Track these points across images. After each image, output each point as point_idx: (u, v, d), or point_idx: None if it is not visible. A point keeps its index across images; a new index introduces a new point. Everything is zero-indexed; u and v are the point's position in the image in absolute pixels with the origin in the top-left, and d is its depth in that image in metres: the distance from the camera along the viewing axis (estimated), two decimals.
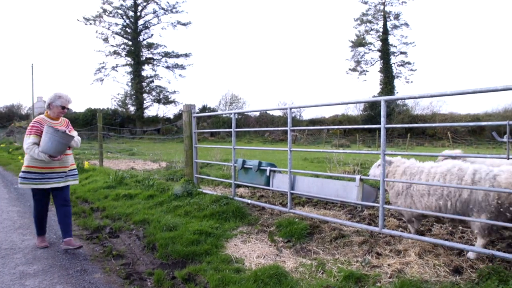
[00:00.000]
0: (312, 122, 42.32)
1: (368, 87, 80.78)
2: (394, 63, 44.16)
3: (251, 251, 3.77)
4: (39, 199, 4.06)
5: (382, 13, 43.42)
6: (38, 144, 3.81)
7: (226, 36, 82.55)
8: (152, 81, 43.10)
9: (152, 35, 43.12)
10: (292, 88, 76.27)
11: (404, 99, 4.34)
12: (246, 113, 40.32)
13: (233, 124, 5.67)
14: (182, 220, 4.68)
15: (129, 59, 41.88)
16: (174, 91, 43.76)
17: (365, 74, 46.08)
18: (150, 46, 42.62)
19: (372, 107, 39.78)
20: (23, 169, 3.92)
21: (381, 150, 3.72)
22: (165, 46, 43.24)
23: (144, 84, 42.39)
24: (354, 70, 45.98)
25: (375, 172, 4.50)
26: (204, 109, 43.03)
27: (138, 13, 41.82)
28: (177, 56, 42.79)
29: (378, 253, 3.55)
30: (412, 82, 45.30)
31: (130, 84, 41.88)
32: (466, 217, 3.37)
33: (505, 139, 3.07)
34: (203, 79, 77.56)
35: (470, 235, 4.10)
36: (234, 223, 4.69)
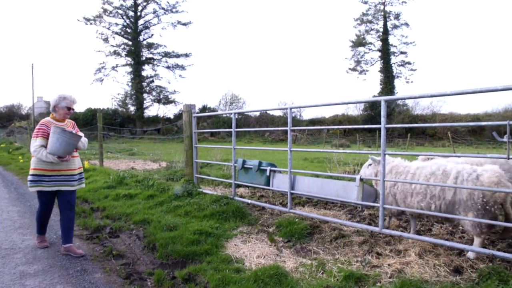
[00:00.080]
0: (312, 122, 42.32)
1: (368, 87, 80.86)
2: (394, 63, 44.19)
3: (251, 251, 3.77)
4: (44, 201, 3.99)
5: (382, 13, 43.41)
6: (45, 146, 3.75)
7: (226, 36, 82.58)
8: (152, 81, 43.13)
9: (152, 35, 43.19)
10: (292, 88, 76.31)
11: (404, 99, 4.36)
12: (246, 113, 40.31)
13: (233, 124, 5.67)
14: (182, 220, 4.68)
15: (129, 59, 41.90)
16: (174, 91, 43.82)
17: (365, 74, 46.09)
18: (150, 46, 42.63)
19: (372, 107, 39.77)
20: (30, 172, 3.86)
21: (381, 150, 3.72)
22: (165, 46, 43.31)
23: (144, 84, 42.40)
24: (354, 70, 46.00)
25: (365, 172, 4.60)
26: (204, 109, 43.03)
27: (138, 13, 41.82)
28: (177, 56, 42.80)
29: (378, 253, 3.55)
30: (412, 82, 45.30)
31: (130, 84, 41.90)
32: (454, 214, 3.47)
33: (505, 139, 3.07)
34: (203, 79, 77.61)
35: (471, 235, 4.10)
36: (234, 223, 4.69)
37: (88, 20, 40.11)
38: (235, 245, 3.97)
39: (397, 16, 43.50)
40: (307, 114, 46.59)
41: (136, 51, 41.25)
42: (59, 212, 4.03)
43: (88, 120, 33.96)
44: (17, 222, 5.23)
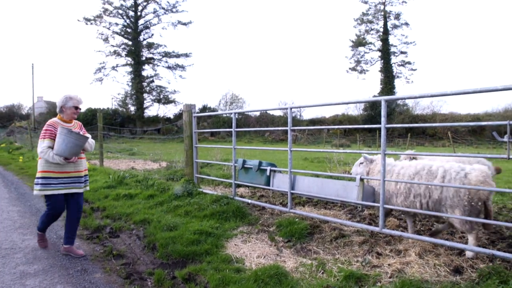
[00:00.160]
0: (313, 122, 42.31)
1: (368, 87, 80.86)
2: (395, 63, 44.15)
3: (252, 251, 3.78)
4: (54, 205, 3.83)
5: (383, 13, 43.39)
6: (52, 147, 3.69)
7: (227, 36, 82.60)
8: (153, 81, 43.10)
9: (152, 34, 43.16)
10: (292, 88, 76.31)
11: (405, 98, 4.38)
12: (247, 113, 40.29)
13: (233, 124, 5.67)
14: (183, 220, 4.68)
15: (129, 59, 41.88)
16: (174, 91, 43.79)
17: (365, 73, 46.07)
18: (150, 46, 42.60)
19: (372, 107, 39.74)
20: (38, 175, 3.76)
21: (381, 150, 3.72)
22: (165, 46, 43.30)
23: (145, 84, 42.38)
24: (354, 69, 45.97)
25: (356, 170, 4.68)
26: (204, 109, 43.03)
27: (139, 13, 41.80)
28: (177, 56, 42.78)
29: (378, 253, 3.55)
30: (412, 82, 45.27)
31: (130, 84, 41.89)
32: (441, 212, 3.60)
33: (505, 139, 3.07)
34: (203, 79, 77.61)
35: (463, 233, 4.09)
36: (235, 223, 4.69)
37: (88, 20, 40.11)
38: (235, 245, 3.97)
39: (397, 16, 43.49)
40: (307, 114, 46.64)
41: (136, 51, 41.24)
42: (66, 215, 3.96)
43: (88, 120, 33.91)
44: (17, 222, 5.24)
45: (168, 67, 43.28)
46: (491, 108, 46.51)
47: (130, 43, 41.86)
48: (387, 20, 43.55)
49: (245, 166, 5.78)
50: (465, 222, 3.46)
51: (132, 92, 41.71)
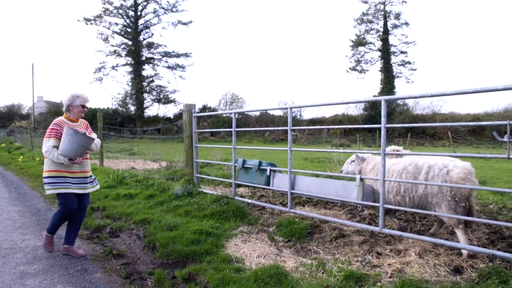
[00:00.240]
0: (313, 121, 42.31)
1: (368, 86, 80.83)
2: (395, 63, 44.16)
3: (252, 250, 3.78)
4: (67, 204, 3.76)
5: (383, 13, 43.39)
6: (57, 147, 3.64)
7: (227, 36, 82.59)
8: (153, 81, 43.11)
9: (152, 34, 43.15)
10: (292, 88, 76.32)
11: (405, 98, 4.40)
12: (247, 113, 40.30)
13: (233, 124, 5.67)
14: (183, 220, 4.68)
15: (129, 58, 41.88)
16: (174, 90, 43.79)
17: (365, 73, 46.08)
18: (150, 45, 42.59)
19: (372, 106, 39.74)
20: (44, 174, 3.73)
21: (381, 149, 3.72)
22: (165, 46, 43.29)
23: (145, 84, 42.38)
24: (354, 69, 45.97)
25: (347, 168, 4.73)
26: (204, 108, 43.03)
27: (139, 13, 41.80)
28: (177, 56, 42.77)
29: (378, 253, 3.55)
30: (412, 82, 45.25)
31: (130, 83, 41.90)
32: (427, 209, 3.74)
33: (505, 138, 3.07)
34: (203, 79, 77.59)
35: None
36: (235, 223, 4.69)
37: (88, 20, 40.10)
38: (235, 244, 3.97)
39: (397, 16, 43.50)
40: (307, 114, 46.64)
41: (136, 51, 41.24)
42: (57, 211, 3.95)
43: (88, 120, 33.62)
44: (17, 221, 5.24)
45: (168, 67, 43.32)
46: (491, 108, 46.56)
47: (130, 43, 41.87)
48: (387, 20, 43.57)
49: (245, 166, 5.79)
50: (451, 218, 3.55)
51: (132, 92, 41.72)
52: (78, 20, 50.03)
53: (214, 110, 42.52)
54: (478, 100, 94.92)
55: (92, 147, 3.82)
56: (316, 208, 5.54)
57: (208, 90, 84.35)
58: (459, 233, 3.54)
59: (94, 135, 3.94)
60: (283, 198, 6.22)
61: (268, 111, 41.28)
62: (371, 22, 44.44)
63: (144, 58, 42.49)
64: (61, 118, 3.82)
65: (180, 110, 39.84)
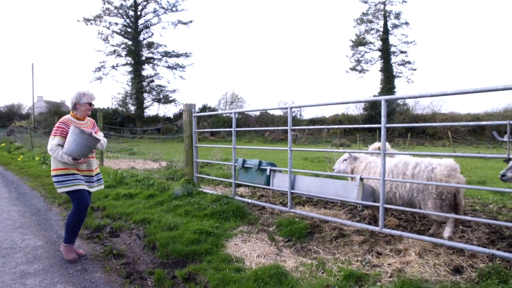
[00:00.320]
0: (313, 121, 42.30)
1: (369, 86, 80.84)
2: (395, 63, 44.15)
3: (252, 250, 3.78)
4: (81, 199, 3.70)
5: (383, 13, 43.38)
6: (62, 146, 3.60)
7: (227, 35, 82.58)
8: (153, 81, 43.10)
9: (152, 34, 43.14)
10: (292, 88, 76.31)
11: (405, 98, 4.41)
12: (247, 113, 40.29)
13: (233, 124, 5.67)
14: (183, 220, 4.68)
15: (129, 58, 41.86)
16: (174, 90, 43.77)
17: (365, 73, 46.06)
18: (150, 45, 42.58)
19: (372, 106, 39.74)
20: (53, 173, 3.67)
21: (381, 149, 3.72)
22: (165, 46, 43.26)
23: (145, 83, 42.37)
24: (354, 69, 45.95)
25: (339, 166, 4.79)
26: (204, 108, 43.02)
27: (139, 13, 41.78)
28: (177, 55, 42.75)
29: (378, 253, 3.55)
30: (412, 81, 45.23)
31: (130, 83, 41.89)
32: (416, 205, 3.89)
33: (505, 138, 3.07)
34: (203, 79, 77.58)
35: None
36: (235, 223, 4.69)
37: (88, 20, 40.08)
38: (235, 244, 3.97)
39: (397, 16, 43.48)
40: (307, 114, 46.63)
41: (136, 51, 41.22)
42: (71, 212, 3.87)
43: None
44: (17, 221, 5.24)
45: (168, 67, 43.30)
46: (491, 108, 46.60)
47: (130, 42, 41.85)
48: (387, 19, 43.56)
49: (245, 165, 5.78)
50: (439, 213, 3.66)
51: (132, 92, 41.71)
52: (78, 21, 49.96)
53: (214, 110, 42.52)
54: (478, 100, 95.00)
55: (98, 146, 3.79)
56: (316, 208, 5.54)
57: (208, 90, 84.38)
58: (448, 226, 3.71)
59: (100, 134, 3.92)
60: (283, 198, 6.22)
61: (268, 111, 41.28)
62: (371, 22, 44.44)
63: (144, 58, 42.48)
64: (67, 116, 3.78)
65: (180, 110, 39.86)
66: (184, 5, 47.66)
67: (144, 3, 41.60)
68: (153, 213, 5.09)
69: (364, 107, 42.05)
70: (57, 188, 3.67)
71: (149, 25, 42.62)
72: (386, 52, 43.16)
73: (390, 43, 43.85)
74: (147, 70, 43.42)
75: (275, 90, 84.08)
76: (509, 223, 3.22)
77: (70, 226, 3.73)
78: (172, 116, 43.56)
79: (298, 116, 43.05)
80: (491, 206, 5.59)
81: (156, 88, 43.15)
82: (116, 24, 41.42)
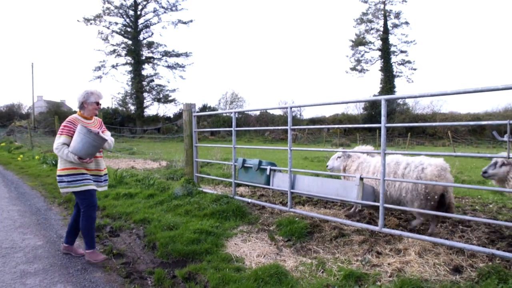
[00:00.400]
0: (313, 121, 42.29)
1: (369, 86, 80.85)
2: (395, 62, 44.12)
3: (252, 250, 3.78)
4: (89, 201, 3.63)
5: (383, 12, 43.34)
6: (68, 145, 3.53)
7: (227, 35, 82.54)
8: (152, 80, 43.08)
9: (152, 34, 43.10)
10: (292, 87, 76.29)
11: (405, 98, 4.43)
12: (247, 112, 40.27)
13: (233, 123, 5.67)
14: (183, 219, 4.68)
15: (129, 58, 41.84)
16: (174, 90, 43.76)
17: (365, 73, 46.02)
18: (150, 45, 42.55)
19: (372, 106, 39.71)
20: (59, 172, 3.59)
21: (381, 149, 3.72)
22: (165, 45, 43.23)
23: (144, 83, 42.36)
24: (354, 69, 45.93)
25: (333, 163, 4.84)
26: (204, 108, 43.01)
27: (139, 12, 41.75)
28: (177, 55, 42.73)
29: (378, 252, 3.56)
30: (412, 81, 45.20)
31: (130, 83, 41.88)
32: (403, 204, 4.04)
33: (505, 138, 3.07)
34: (203, 78, 77.56)
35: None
36: (235, 222, 4.69)
37: (88, 20, 40.06)
38: (235, 244, 3.97)
39: (397, 15, 43.44)
40: (307, 113, 46.55)
41: (136, 50, 41.19)
42: (74, 213, 3.85)
43: None
44: (17, 221, 5.24)
45: (168, 67, 43.27)
46: (491, 107, 46.50)
47: (130, 42, 41.83)
48: (387, 19, 43.51)
49: (245, 165, 5.78)
50: (421, 213, 3.87)
51: (132, 92, 41.69)
52: (78, 21, 49.84)
53: (214, 109, 42.50)
54: (478, 100, 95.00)
55: (105, 146, 3.74)
56: (316, 208, 5.54)
57: (208, 90, 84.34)
58: (418, 221, 3.98)
59: (107, 133, 3.87)
60: (283, 198, 6.22)
61: (268, 111, 41.29)
62: (371, 21, 44.40)
63: (144, 58, 42.45)
64: (75, 115, 3.72)
65: (180, 110, 39.84)
66: (184, 5, 47.81)
67: (144, 2, 41.60)
68: (153, 213, 5.09)
69: (364, 107, 42.02)
70: (63, 188, 3.59)
71: (149, 25, 42.62)
72: (386, 51, 43.13)
73: (390, 42, 43.82)
74: (147, 70, 43.44)
75: (275, 90, 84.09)
76: (509, 222, 3.22)
77: (85, 230, 3.65)
78: (172, 116, 43.55)
79: (298, 116, 43.03)
80: (491, 205, 5.60)
81: (156, 88, 43.15)
82: (116, 23, 41.43)
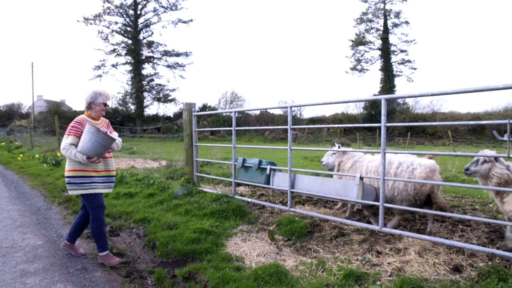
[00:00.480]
0: (313, 120, 42.29)
1: (369, 85, 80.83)
2: (395, 62, 44.10)
3: (252, 249, 3.78)
4: (95, 205, 3.61)
5: (383, 12, 43.31)
6: (76, 145, 3.49)
7: (227, 35, 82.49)
8: (152, 80, 43.08)
9: (152, 33, 43.08)
10: (292, 87, 76.27)
11: (405, 97, 4.44)
12: (247, 112, 40.27)
13: (233, 123, 5.67)
14: (183, 219, 4.68)
15: (129, 57, 41.83)
16: (174, 89, 43.75)
17: (365, 72, 46.00)
18: (150, 44, 42.53)
19: (372, 105, 39.71)
20: (67, 174, 3.55)
21: (381, 148, 3.72)
22: (165, 45, 43.22)
23: (144, 82, 42.36)
24: (354, 69, 45.91)
25: (328, 159, 4.89)
26: (204, 107, 43.01)
27: (138, 12, 41.73)
28: (177, 55, 42.72)
29: (378, 252, 3.56)
30: (412, 80, 45.19)
31: (130, 82, 41.87)
32: (395, 204, 4.10)
33: (505, 138, 3.07)
34: (203, 78, 77.54)
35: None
36: (235, 222, 4.69)
37: (88, 20, 40.04)
38: (235, 243, 3.97)
39: (397, 15, 43.41)
40: (307, 113, 46.54)
41: (136, 50, 41.18)
42: (82, 214, 3.82)
43: None
44: (17, 220, 5.24)
45: (168, 66, 43.26)
46: (491, 107, 46.48)
47: (130, 41, 41.81)
48: (387, 18, 43.49)
49: (245, 165, 5.78)
50: (402, 211, 4.12)
51: (132, 91, 41.68)
52: (77, 21, 49.73)
53: (214, 109, 42.48)
54: (478, 99, 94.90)
55: (113, 146, 3.71)
56: (316, 207, 5.55)
57: (208, 89, 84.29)
58: (397, 218, 4.28)
59: (115, 134, 3.84)
60: (283, 197, 6.22)
61: (268, 110, 41.28)
62: (371, 21, 44.37)
63: (144, 57, 42.43)
64: (82, 116, 3.68)
65: (180, 109, 39.80)
66: (184, 4, 47.73)
67: (144, 2, 41.56)
68: (153, 212, 5.10)
69: (364, 106, 42.02)
70: (71, 189, 3.57)
71: (149, 24, 42.59)
72: (386, 51, 43.11)
73: (390, 42, 43.80)
74: (147, 69, 43.42)
75: (275, 90, 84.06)
76: (509, 222, 3.22)
77: (96, 234, 3.62)
78: (172, 115, 43.55)
79: (298, 115, 43.04)
80: (490, 205, 5.59)
81: (156, 87, 43.14)
82: (116, 23, 41.41)
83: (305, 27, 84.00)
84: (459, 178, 8.29)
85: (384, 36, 43.15)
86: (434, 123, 3.85)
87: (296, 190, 4.87)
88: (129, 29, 41.70)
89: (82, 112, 3.81)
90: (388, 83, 41.85)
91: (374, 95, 37.76)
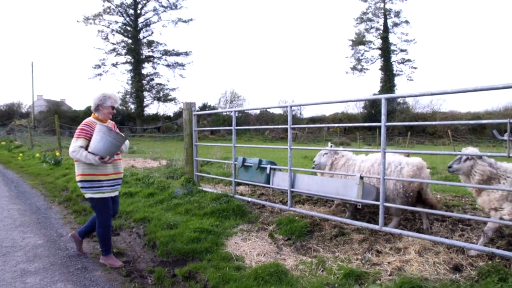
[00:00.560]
0: (313, 120, 42.28)
1: (369, 85, 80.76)
2: (395, 61, 44.06)
3: (252, 249, 3.78)
4: (101, 210, 3.59)
5: (383, 11, 43.27)
6: (86, 148, 3.44)
7: (227, 34, 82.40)
8: (152, 79, 43.09)
9: (152, 32, 43.08)
10: (292, 86, 76.22)
11: (405, 97, 4.46)
12: (247, 111, 40.26)
13: (233, 122, 5.67)
14: (183, 218, 4.68)
15: (129, 57, 41.82)
16: (174, 89, 43.77)
17: (365, 72, 45.96)
18: (150, 44, 42.53)
19: (372, 105, 39.68)
20: (78, 178, 3.54)
21: (381, 148, 3.72)
22: (165, 44, 43.18)
23: (144, 82, 42.35)
24: (354, 68, 45.88)
25: (320, 159, 4.91)
26: (204, 107, 42.99)
27: (138, 11, 41.71)
28: (177, 54, 42.71)
29: (378, 251, 3.56)
30: (412, 80, 45.16)
31: (130, 82, 41.87)
32: (388, 202, 4.06)
33: (505, 137, 3.07)
34: (203, 77, 77.49)
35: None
36: (235, 221, 4.69)
37: (88, 19, 40.02)
38: (235, 243, 3.97)
39: (397, 14, 43.36)
40: (307, 112, 46.49)
41: (136, 49, 41.17)
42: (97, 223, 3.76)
43: None
44: (17, 220, 5.24)
45: (168, 65, 43.26)
46: (492, 106, 46.42)
47: (130, 41, 41.79)
48: (387, 18, 43.44)
49: (245, 164, 5.78)
50: (396, 209, 4.17)
51: (132, 90, 41.68)
52: (77, 21, 49.73)
53: (214, 108, 42.46)
54: (478, 99, 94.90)
55: (122, 148, 3.67)
56: (316, 206, 5.55)
57: (208, 89, 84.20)
58: (396, 220, 4.31)
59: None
60: (283, 197, 6.22)
61: (268, 110, 41.26)
62: (371, 20, 44.32)
63: (144, 57, 42.43)
64: (90, 118, 3.65)
65: (180, 109, 39.79)
66: (184, 3, 47.61)
67: (144, 1, 41.53)
68: (153, 212, 5.10)
69: (364, 106, 42.00)
70: (84, 193, 3.58)
71: (149, 24, 42.58)
72: (386, 50, 43.07)
73: (390, 41, 43.74)
74: (147, 69, 43.42)
75: (275, 89, 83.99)
76: (509, 221, 3.22)
77: (102, 238, 3.62)
78: (172, 115, 43.53)
79: (298, 115, 43.01)
80: None
81: (156, 87, 43.15)
82: (116, 22, 41.41)
83: (305, 27, 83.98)
84: (458, 178, 8.28)
85: (384, 35, 43.12)
86: (434, 123, 3.85)
87: (296, 189, 4.87)
88: (129, 28, 41.68)
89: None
90: (388, 83, 41.83)
91: (374, 94, 37.76)
